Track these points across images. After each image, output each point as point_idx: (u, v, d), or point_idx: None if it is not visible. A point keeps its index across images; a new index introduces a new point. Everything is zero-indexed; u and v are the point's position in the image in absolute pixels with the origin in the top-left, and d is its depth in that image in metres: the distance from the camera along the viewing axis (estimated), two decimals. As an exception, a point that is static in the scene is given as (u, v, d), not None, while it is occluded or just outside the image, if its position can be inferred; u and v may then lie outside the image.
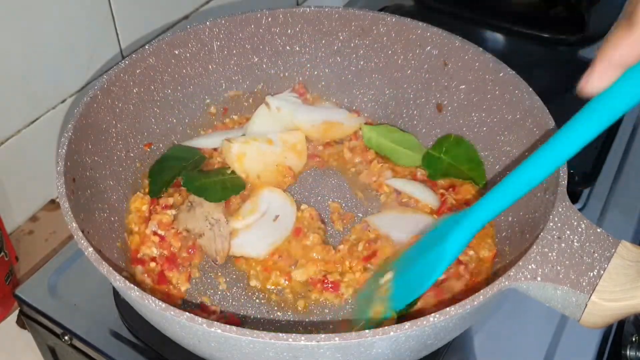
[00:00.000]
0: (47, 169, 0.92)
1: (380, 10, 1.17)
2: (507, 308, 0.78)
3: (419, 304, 0.72)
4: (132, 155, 0.82)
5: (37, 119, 0.90)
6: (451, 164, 0.86)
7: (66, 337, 0.75)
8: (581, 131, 0.50)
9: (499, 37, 1.16)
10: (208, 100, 0.91)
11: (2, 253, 0.82)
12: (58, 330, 0.76)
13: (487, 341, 0.76)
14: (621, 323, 0.79)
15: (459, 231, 0.62)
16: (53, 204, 0.98)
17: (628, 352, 0.77)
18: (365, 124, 0.92)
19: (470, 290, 0.72)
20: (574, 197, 0.90)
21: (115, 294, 0.77)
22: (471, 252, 0.77)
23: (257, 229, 0.80)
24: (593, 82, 0.45)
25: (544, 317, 0.77)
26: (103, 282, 0.75)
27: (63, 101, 0.92)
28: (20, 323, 0.83)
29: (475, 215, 0.62)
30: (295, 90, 0.93)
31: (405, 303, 0.68)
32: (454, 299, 0.71)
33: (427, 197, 0.84)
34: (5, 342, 0.83)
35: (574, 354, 0.75)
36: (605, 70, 0.45)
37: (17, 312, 0.83)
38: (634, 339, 0.77)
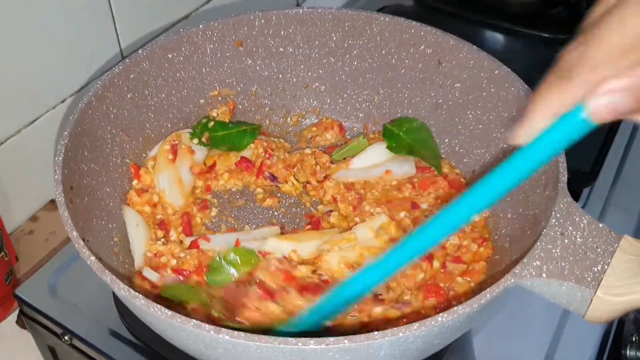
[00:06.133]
0: (47, 169, 0.91)
1: (380, 10, 1.16)
2: (507, 308, 0.78)
3: (416, 305, 0.71)
4: (127, 161, 0.82)
5: (37, 119, 0.90)
6: (412, 145, 0.86)
7: (66, 337, 0.75)
8: (516, 172, 0.52)
9: (498, 37, 1.15)
10: (202, 104, 0.90)
11: (2, 253, 0.82)
12: (58, 330, 0.75)
13: (487, 341, 0.76)
14: (621, 323, 0.79)
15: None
16: (53, 204, 0.97)
17: (628, 352, 0.77)
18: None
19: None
20: (574, 196, 0.89)
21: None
22: (465, 242, 0.77)
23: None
24: (526, 131, 0.48)
25: (544, 317, 0.77)
26: (103, 283, 0.75)
27: (63, 101, 0.92)
28: (20, 323, 0.83)
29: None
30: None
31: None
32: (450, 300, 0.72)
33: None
34: (5, 342, 0.83)
35: (574, 354, 0.75)
36: (538, 121, 0.48)
37: (17, 312, 0.83)
38: (634, 339, 0.77)
